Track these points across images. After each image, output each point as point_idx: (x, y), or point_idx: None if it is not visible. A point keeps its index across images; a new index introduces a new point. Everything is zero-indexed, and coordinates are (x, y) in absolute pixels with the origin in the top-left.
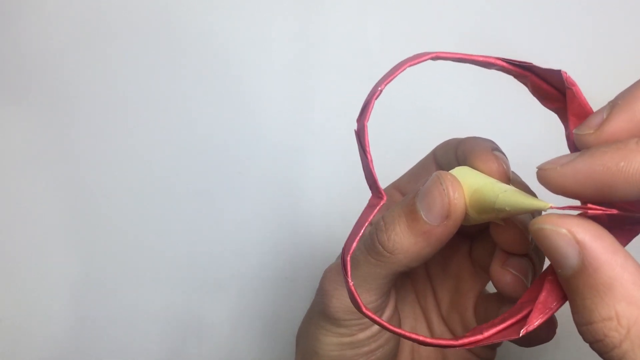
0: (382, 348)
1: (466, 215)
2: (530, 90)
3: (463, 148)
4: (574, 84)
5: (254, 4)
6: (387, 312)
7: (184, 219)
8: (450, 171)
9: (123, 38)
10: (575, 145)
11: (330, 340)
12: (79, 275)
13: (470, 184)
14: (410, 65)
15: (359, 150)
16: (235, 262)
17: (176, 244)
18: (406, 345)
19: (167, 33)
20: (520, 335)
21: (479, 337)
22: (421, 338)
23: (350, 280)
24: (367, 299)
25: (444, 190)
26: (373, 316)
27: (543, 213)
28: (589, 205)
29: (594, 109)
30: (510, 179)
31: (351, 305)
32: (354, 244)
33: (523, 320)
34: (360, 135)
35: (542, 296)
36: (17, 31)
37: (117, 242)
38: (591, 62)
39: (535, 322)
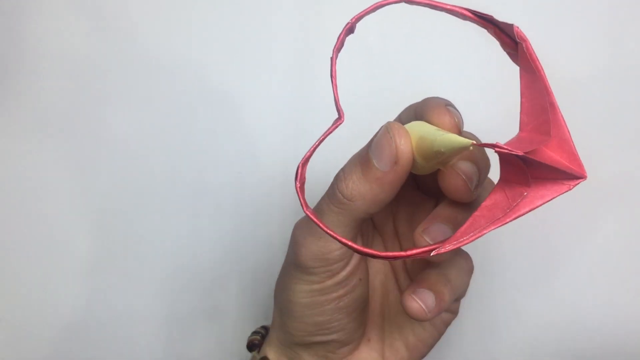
0: (349, 294)
1: (415, 163)
2: (494, 37)
3: (421, 105)
4: (524, 40)
5: (254, 4)
6: (353, 261)
7: (183, 218)
8: (405, 125)
9: (123, 37)
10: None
11: (302, 288)
12: (79, 274)
13: (417, 133)
14: (382, 6)
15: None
16: (235, 262)
17: (175, 244)
18: (376, 294)
19: (167, 34)
20: (431, 255)
21: (402, 253)
22: (350, 243)
23: (297, 184)
24: (333, 246)
25: (391, 138)
26: (312, 216)
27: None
28: (497, 144)
29: (544, 66)
30: (461, 132)
31: (318, 252)
32: (308, 153)
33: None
34: (332, 62)
35: (461, 230)
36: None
37: (115, 242)
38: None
39: (447, 247)
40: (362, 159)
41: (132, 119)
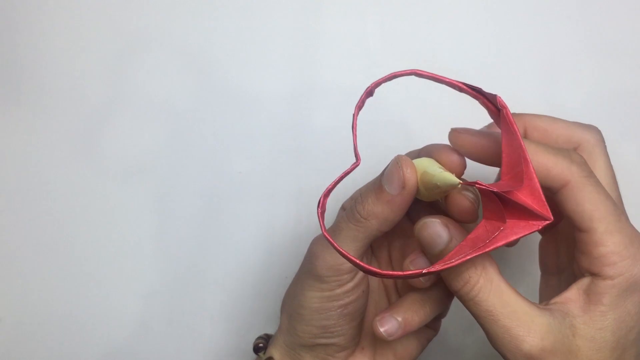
0: (353, 303)
1: (419, 191)
2: (483, 106)
3: (429, 148)
4: (504, 107)
5: (254, 4)
6: (359, 275)
7: (183, 218)
8: (414, 159)
9: (124, 41)
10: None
11: (314, 295)
12: (78, 275)
13: (422, 167)
14: (396, 76)
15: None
16: (235, 262)
17: (175, 244)
18: (372, 309)
19: (167, 35)
20: (423, 272)
21: (399, 272)
22: (358, 261)
23: (319, 211)
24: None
25: (400, 167)
26: (328, 237)
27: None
28: (478, 182)
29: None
30: (464, 168)
31: (332, 264)
32: (330, 187)
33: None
34: (353, 117)
35: (449, 255)
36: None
37: (114, 242)
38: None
39: (437, 267)
40: (376, 185)
41: (131, 120)
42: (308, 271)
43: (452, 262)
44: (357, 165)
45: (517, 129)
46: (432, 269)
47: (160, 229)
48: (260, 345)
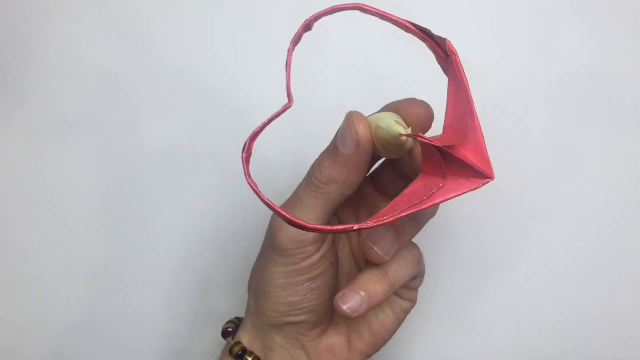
0: (321, 277)
1: (376, 148)
2: (430, 50)
3: (394, 104)
4: (454, 52)
5: (254, 4)
6: (325, 246)
7: (182, 217)
8: (371, 114)
9: (121, 39)
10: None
11: (278, 270)
12: (78, 275)
13: (375, 121)
14: (338, 10)
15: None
16: (235, 261)
17: (175, 244)
18: (343, 282)
19: (164, 34)
20: (354, 229)
21: (328, 227)
22: (283, 212)
23: (243, 155)
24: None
25: (351, 125)
26: (253, 185)
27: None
28: (419, 134)
29: (468, 76)
30: (431, 121)
31: (294, 235)
32: (257, 129)
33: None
34: (288, 52)
35: (382, 211)
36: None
37: (115, 242)
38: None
39: (368, 223)
40: (331, 148)
41: (131, 119)
42: (270, 246)
43: (386, 218)
44: (289, 106)
45: (465, 77)
46: (364, 226)
47: (156, 230)
48: (229, 329)
